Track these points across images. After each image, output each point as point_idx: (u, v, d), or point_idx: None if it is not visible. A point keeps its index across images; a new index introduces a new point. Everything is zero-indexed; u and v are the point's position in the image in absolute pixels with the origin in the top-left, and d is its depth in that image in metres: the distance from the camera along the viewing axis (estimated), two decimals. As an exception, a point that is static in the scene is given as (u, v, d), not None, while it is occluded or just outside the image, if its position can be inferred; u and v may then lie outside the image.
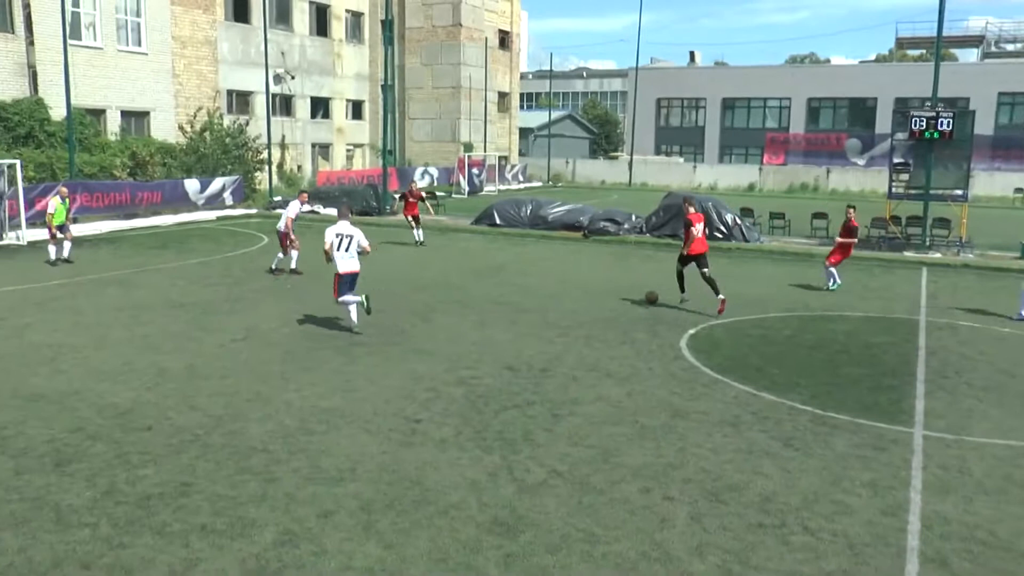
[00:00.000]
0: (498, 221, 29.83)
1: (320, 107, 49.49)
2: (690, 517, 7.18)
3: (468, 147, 53.01)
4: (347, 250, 13.42)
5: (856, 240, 18.88)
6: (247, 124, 37.65)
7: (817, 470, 8.28)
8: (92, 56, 33.98)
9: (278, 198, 34.82)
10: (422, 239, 25.16)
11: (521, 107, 69.55)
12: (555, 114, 75.36)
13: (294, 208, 19.09)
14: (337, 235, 13.40)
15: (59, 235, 19.89)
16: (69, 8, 30.26)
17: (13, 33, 31.10)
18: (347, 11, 50.70)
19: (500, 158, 56.65)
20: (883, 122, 60.85)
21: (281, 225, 18.91)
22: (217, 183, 33.42)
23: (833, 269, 18.65)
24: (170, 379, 10.87)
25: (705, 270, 15.80)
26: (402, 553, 6.45)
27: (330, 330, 13.77)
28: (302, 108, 47.72)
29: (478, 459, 8.35)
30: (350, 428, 9.17)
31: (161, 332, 13.45)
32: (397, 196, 27.55)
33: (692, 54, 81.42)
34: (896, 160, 26.62)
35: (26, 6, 30.96)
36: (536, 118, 74.83)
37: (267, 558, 6.34)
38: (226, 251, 23.00)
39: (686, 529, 6.97)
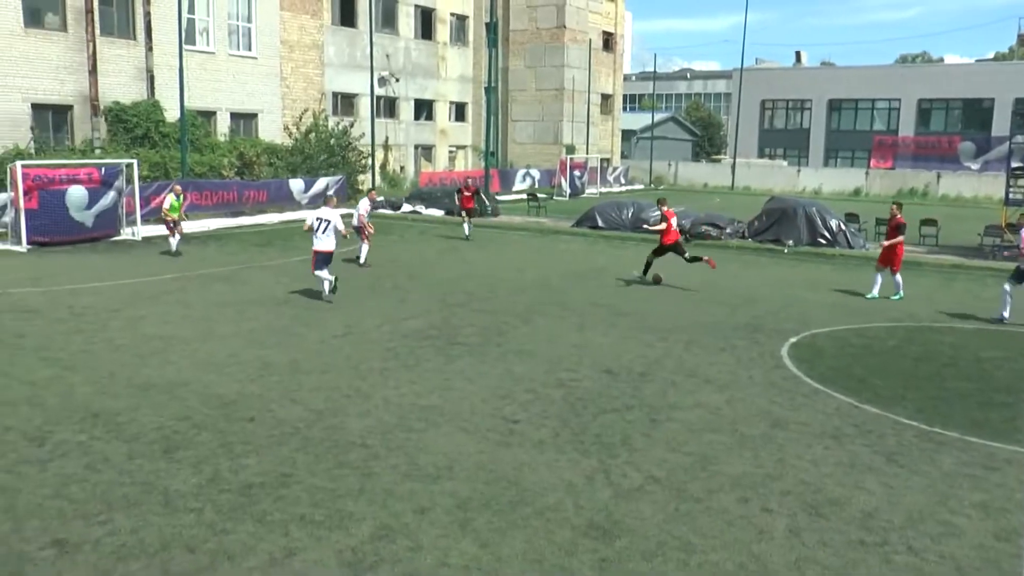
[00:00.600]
0: (599, 224, 29.71)
1: (423, 109, 50.09)
2: (789, 530, 7.02)
3: (570, 149, 52.92)
4: (324, 232, 15.59)
5: (902, 239, 18.02)
6: (351, 126, 38.40)
7: (922, 488, 7.98)
8: (205, 60, 35.17)
9: (380, 199, 35.42)
10: (468, 233, 26.15)
11: (624, 109, 69.08)
12: (658, 116, 74.75)
13: (364, 205, 21.26)
14: (317, 219, 15.69)
15: (174, 227, 21.21)
16: (185, 15, 31.41)
17: (134, 39, 32.47)
18: (452, 14, 51.19)
19: (602, 160, 56.42)
20: (1001, 124, 58.28)
21: (355, 221, 20.79)
22: (321, 183, 34.20)
23: (898, 277, 17.86)
24: (273, 373, 11.17)
25: (685, 255, 18.63)
26: (497, 552, 6.48)
27: (429, 329, 13.94)
28: (406, 110, 48.37)
29: (575, 462, 8.33)
30: (448, 427, 9.26)
31: (265, 327, 13.84)
32: (455, 192, 28.21)
33: (798, 54, 79.54)
34: (1015, 164, 25.57)
35: (146, 14, 32.30)
36: (639, 120, 74.31)
37: (364, 551, 6.45)
38: (329, 249, 23.48)
39: (784, 542, 6.81)
